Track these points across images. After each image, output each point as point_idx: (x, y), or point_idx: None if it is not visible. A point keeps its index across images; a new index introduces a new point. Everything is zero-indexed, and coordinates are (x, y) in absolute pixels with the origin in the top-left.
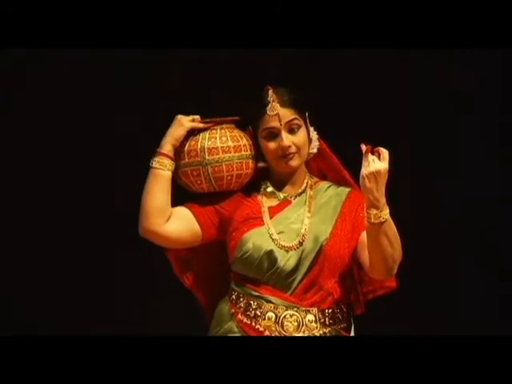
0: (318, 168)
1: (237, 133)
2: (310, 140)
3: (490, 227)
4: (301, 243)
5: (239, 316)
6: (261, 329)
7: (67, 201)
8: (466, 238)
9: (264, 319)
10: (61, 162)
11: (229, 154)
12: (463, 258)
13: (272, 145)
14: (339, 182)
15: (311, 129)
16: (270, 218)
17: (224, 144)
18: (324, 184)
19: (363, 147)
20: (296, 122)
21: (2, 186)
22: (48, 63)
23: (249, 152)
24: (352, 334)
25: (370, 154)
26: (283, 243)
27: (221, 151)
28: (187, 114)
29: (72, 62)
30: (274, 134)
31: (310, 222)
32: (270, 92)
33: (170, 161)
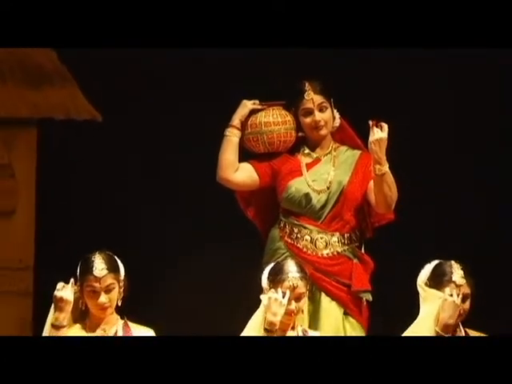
0: (339, 137)
1: (284, 112)
2: (333, 117)
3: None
4: (328, 188)
5: (285, 238)
6: (300, 247)
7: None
8: None
9: (303, 240)
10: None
11: (278, 126)
12: None
13: (308, 120)
14: (354, 146)
15: (335, 110)
16: (307, 170)
17: (275, 119)
18: (343, 148)
19: (370, 122)
20: (324, 104)
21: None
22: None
23: (292, 125)
24: (362, 251)
25: (375, 127)
26: (316, 188)
27: (273, 124)
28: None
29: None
30: (309, 112)
31: (334, 173)
32: (307, 83)
33: (237, 131)
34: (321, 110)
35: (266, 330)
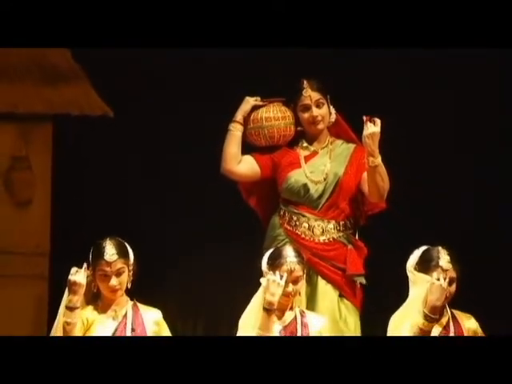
0: (335, 131)
1: (283, 107)
2: (330, 113)
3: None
4: (325, 179)
5: (285, 225)
6: (299, 233)
7: None
8: None
9: (301, 227)
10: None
11: (278, 121)
12: None
13: (306, 115)
14: (349, 140)
15: (331, 106)
16: (305, 163)
17: (275, 115)
18: (339, 141)
19: (364, 118)
20: (321, 100)
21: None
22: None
23: (291, 120)
24: (356, 237)
25: (368, 122)
26: (313, 178)
27: (273, 119)
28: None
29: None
30: (307, 108)
31: (330, 165)
32: (305, 81)
33: (240, 126)
34: (318, 106)
35: (265, 309)
